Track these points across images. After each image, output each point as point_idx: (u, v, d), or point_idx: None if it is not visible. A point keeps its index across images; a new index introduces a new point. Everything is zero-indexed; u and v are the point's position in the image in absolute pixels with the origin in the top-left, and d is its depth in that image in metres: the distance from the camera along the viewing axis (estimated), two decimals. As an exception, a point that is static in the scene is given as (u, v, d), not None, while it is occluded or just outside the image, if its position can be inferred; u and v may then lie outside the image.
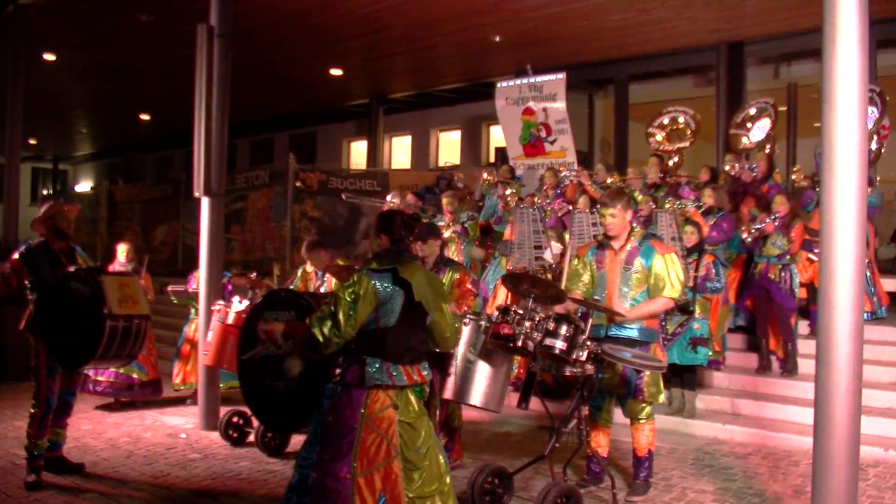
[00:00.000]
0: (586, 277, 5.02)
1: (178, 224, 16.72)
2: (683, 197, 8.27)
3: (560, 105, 11.04)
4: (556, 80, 11.12)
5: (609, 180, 9.25)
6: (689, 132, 10.07)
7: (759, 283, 7.45)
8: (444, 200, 9.53)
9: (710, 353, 6.99)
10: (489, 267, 8.84)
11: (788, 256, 7.38)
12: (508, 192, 9.17)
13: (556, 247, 7.92)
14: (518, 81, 11.50)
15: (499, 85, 11.71)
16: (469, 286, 5.41)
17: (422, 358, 3.71)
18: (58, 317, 5.14)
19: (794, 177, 8.27)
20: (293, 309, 4.92)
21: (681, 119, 10.10)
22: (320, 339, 3.45)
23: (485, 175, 10.11)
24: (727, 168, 8.95)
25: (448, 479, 3.70)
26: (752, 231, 7.44)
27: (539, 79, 11.20)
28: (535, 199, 8.89)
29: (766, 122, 9.39)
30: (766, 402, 7.02)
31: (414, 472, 3.59)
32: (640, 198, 8.38)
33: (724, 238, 7.70)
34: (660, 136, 10.19)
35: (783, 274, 7.36)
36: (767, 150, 9.00)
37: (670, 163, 9.71)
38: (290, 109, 17.97)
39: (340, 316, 3.44)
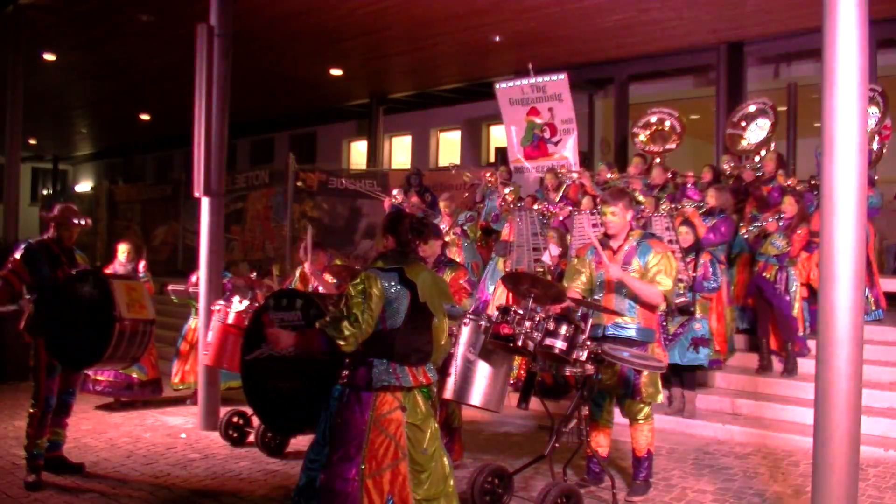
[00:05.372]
0: (585, 277, 5.02)
1: (178, 224, 16.72)
2: (689, 197, 8.27)
3: (566, 104, 10.98)
4: (558, 80, 11.04)
5: (609, 175, 9.24)
6: (673, 135, 10.07)
7: (755, 281, 7.46)
8: (442, 204, 9.54)
9: (711, 353, 7.00)
10: (487, 269, 8.83)
11: (788, 259, 7.37)
12: (507, 190, 9.15)
13: (554, 249, 7.92)
14: (519, 82, 11.43)
15: (498, 86, 11.56)
16: (463, 283, 5.39)
17: (428, 359, 3.70)
18: (60, 317, 5.14)
19: (790, 181, 8.19)
20: (297, 309, 4.89)
21: (667, 123, 10.09)
22: (340, 340, 3.42)
23: (487, 175, 10.08)
24: (724, 168, 8.97)
25: (452, 482, 3.71)
26: (751, 229, 7.43)
27: (541, 79, 11.12)
28: (536, 205, 8.87)
29: (765, 122, 9.37)
30: (766, 402, 7.03)
31: (421, 473, 3.59)
32: (642, 199, 8.40)
33: (722, 241, 7.66)
34: (643, 136, 10.19)
35: (780, 275, 7.33)
36: (763, 152, 8.99)
37: (655, 161, 9.75)
38: (290, 109, 17.97)
39: (356, 311, 3.42)
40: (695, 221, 7.54)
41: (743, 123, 9.56)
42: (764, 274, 7.39)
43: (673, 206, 7.88)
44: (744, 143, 9.47)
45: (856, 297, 3.80)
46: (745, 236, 7.55)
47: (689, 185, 8.80)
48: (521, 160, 11.24)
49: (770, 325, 7.48)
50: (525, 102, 11.25)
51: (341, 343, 3.43)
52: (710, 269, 6.98)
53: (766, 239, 7.37)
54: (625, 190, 5.43)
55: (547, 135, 11.12)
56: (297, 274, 7.28)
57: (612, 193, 5.07)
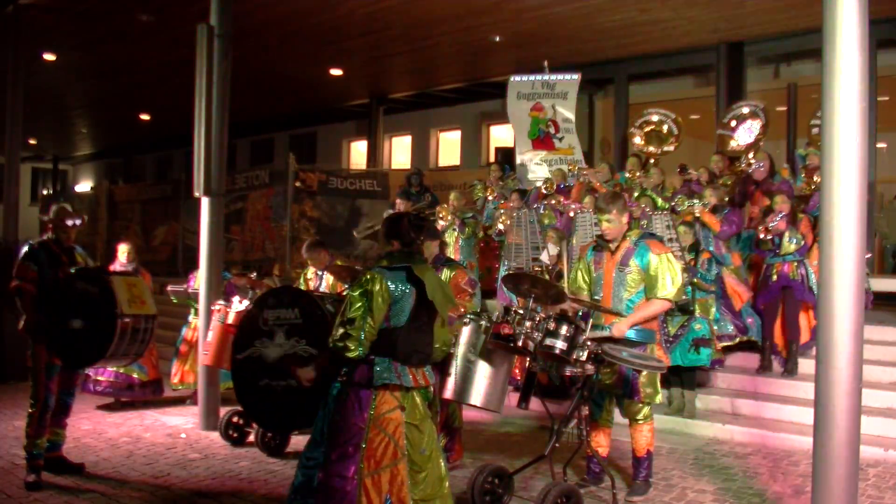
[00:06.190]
0: (586, 278, 5.03)
1: (178, 224, 16.72)
2: (696, 192, 8.34)
3: (569, 104, 11.09)
4: (570, 79, 11.18)
5: (635, 173, 9.30)
6: (671, 138, 10.12)
7: (780, 283, 7.37)
8: (452, 195, 9.62)
9: (713, 353, 7.01)
10: (500, 274, 8.85)
11: (805, 252, 7.35)
12: (499, 226, 9.09)
13: (552, 248, 7.93)
14: (532, 77, 11.53)
15: (512, 78, 11.72)
16: (464, 285, 5.38)
17: (427, 361, 3.70)
18: (63, 317, 5.14)
19: (816, 178, 8.12)
20: (295, 307, 4.88)
21: (665, 126, 10.14)
22: (350, 354, 3.42)
23: (475, 185, 10.26)
24: (711, 167, 9.03)
25: (447, 484, 3.71)
26: (770, 228, 7.38)
27: (553, 77, 11.27)
28: (550, 198, 8.96)
29: (754, 124, 9.41)
30: (766, 402, 7.03)
31: (419, 474, 3.59)
32: (660, 202, 8.46)
33: (736, 231, 7.75)
34: (638, 139, 10.24)
35: (800, 270, 7.34)
36: (752, 153, 9.04)
37: (650, 162, 9.82)
38: (290, 109, 17.95)
39: (358, 320, 3.41)
40: (707, 219, 7.56)
41: (733, 124, 9.60)
42: (789, 275, 7.31)
43: (687, 202, 7.86)
44: (733, 143, 9.53)
45: (856, 297, 3.80)
46: (766, 236, 7.47)
47: (693, 183, 8.88)
48: (531, 151, 11.35)
49: (776, 326, 7.46)
50: (531, 98, 11.37)
51: (351, 356, 3.43)
52: (707, 266, 7.07)
53: (781, 240, 7.33)
54: (618, 193, 5.41)
55: (552, 130, 11.24)
56: (301, 280, 7.22)
57: (606, 199, 4.98)
